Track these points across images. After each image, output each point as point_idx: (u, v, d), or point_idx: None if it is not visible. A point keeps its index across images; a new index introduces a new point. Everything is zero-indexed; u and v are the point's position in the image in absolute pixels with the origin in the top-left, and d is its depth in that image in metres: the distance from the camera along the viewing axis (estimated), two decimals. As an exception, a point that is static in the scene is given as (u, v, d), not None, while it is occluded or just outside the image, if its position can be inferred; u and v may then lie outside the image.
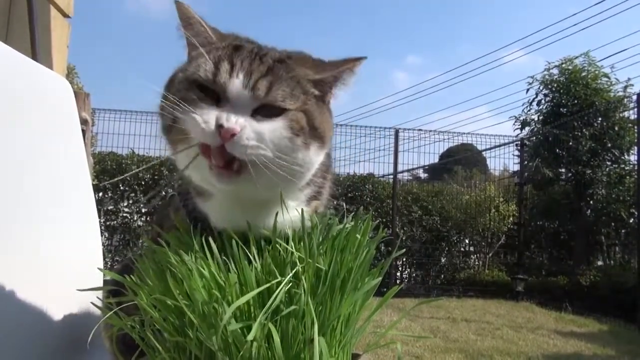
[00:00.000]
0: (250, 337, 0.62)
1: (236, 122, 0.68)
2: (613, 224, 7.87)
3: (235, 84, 0.70)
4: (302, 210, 0.79)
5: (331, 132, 0.81)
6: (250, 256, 0.72)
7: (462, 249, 9.28)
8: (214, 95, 0.71)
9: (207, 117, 0.69)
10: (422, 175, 11.46)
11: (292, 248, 0.73)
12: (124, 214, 7.91)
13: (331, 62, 0.78)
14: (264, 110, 0.71)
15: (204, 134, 0.68)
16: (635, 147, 7.42)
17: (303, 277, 0.69)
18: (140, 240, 7.28)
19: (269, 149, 0.70)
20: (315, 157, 0.77)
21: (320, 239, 0.77)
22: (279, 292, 0.66)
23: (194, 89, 0.73)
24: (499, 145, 9.04)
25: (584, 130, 7.81)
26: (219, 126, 0.67)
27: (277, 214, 0.76)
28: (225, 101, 0.70)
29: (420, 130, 9.14)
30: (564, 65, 8.53)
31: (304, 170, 0.76)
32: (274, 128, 0.70)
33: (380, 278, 0.79)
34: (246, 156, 0.69)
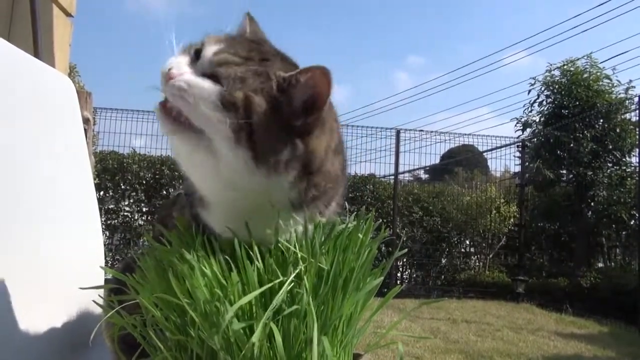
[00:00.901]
0: (255, 338, 0.62)
1: (180, 69, 0.71)
2: (614, 225, 7.86)
3: (210, 49, 0.73)
4: (304, 212, 0.78)
5: (274, 160, 0.70)
6: (253, 255, 0.72)
7: (462, 250, 9.29)
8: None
9: (170, 61, 0.73)
10: (423, 176, 11.48)
11: (294, 248, 0.73)
12: (125, 213, 7.92)
13: (293, 73, 0.72)
14: (214, 78, 0.71)
15: (161, 74, 0.73)
16: (637, 149, 7.43)
17: (305, 277, 0.69)
18: (142, 239, 7.29)
19: (191, 100, 0.69)
20: (244, 166, 0.69)
21: (323, 239, 0.77)
22: (282, 292, 0.66)
23: (194, 50, 0.76)
24: (500, 147, 9.06)
25: (585, 131, 7.81)
26: (169, 69, 0.71)
27: (278, 214, 0.76)
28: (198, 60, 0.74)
29: (421, 131, 9.16)
30: (565, 67, 8.53)
31: (235, 176, 0.71)
32: (205, 86, 0.70)
33: (381, 278, 0.79)
34: (171, 96, 0.71)
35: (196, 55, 0.75)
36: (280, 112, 0.71)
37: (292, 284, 0.68)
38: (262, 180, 0.71)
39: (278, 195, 0.74)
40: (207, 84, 0.70)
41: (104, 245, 1.58)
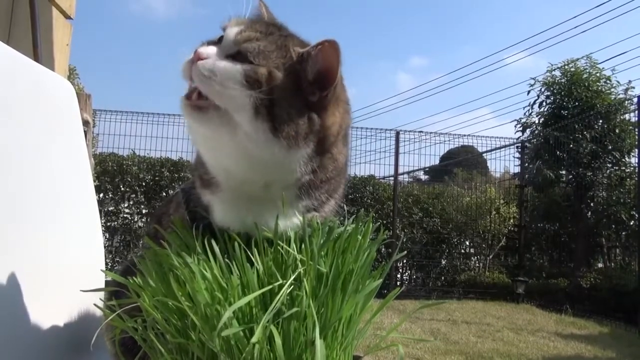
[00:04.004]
0: (254, 339, 0.62)
1: (206, 51, 0.74)
2: (613, 226, 7.85)
3: (231, 31, 0.76)
4: (302, 217, 0.79)
5: (294, 133, 0.73)
6: (253, 258, 0.72)
7: (462, 251, 9.28)
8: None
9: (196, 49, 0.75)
10: (423, 177, 11.46)
11: (293, 250, 0.73)
12: (125, 215, 7.91)
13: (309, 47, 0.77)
14: (238, 57, 0.74)
15: (184, 64, 0.75)
16: (636, 150, 7.43)
17: (304, 279, 0.70)
18: (141, 241, 7.28)
19: (216, 82, 0.72)
20: (264, 141, 0.71)
21: (322, 241, 0.77)
22: (282, 295, 0.66)
23: (217, 39, 0.79)
24: (500, 147, 9.05)
25: (584, 132, 7.81)
26: (195, 52, 0.74)
27: (277, 217, 0.76)
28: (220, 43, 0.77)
29: (421, 132, 9.14)
30: (566, 67, 8.53)
31: (257, 152, 0.73)
32: (230, 67, 0.73)
33: (381, 280, 0.80)
34: (197, 80, 0.73)
35: (219, 42, 0.78)
36: (298, 86, 0.74)
37: (292, 286, 0.69)
38: (281, 152, 0.73)
39: (294, 171, 0.76)
40: (230, 66, 0.73)
41: (104, 247, 1.58)
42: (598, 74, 8.34)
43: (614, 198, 7.56)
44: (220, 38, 0.78)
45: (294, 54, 0.75)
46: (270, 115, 0.72)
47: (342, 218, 0.87)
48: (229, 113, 0.72)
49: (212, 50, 0.74)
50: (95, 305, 0.88)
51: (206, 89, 0.72)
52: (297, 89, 0.74)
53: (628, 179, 7.62)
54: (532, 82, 8.89)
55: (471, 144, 10.72)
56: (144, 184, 7.87)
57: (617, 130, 7.72)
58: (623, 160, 7.90)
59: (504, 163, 13.88)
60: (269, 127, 0.72)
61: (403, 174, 9.13)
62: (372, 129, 8.98)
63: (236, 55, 0.74)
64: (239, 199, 0.79)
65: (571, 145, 7.83)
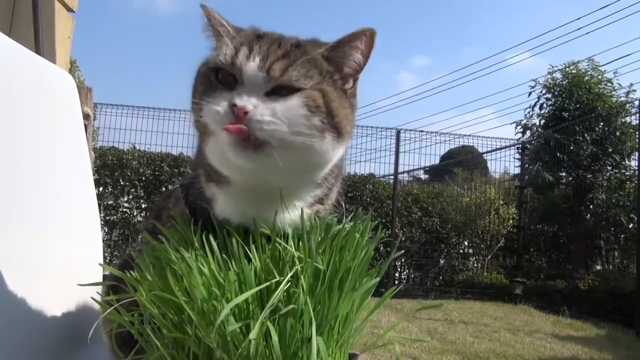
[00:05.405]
0: (252, 336, 0.62)
1: (248, 100, 0.69)
2: (612, 228, 7.87)
3: (251, 66, 0.71)
4: (301, 210, 0.79)
5: (350, 127, 0.77)
6: (250, 254, 0.72)
7: (461, 251, 9.28)
8: (233, 80, 0.73)
9: (221, 101, 0.70)
10: (423, 176, 11.47)
11: (291, 247, 0.73)
12: (124, 209, 7.91)
13: (343, 38, 0.77)
14: (279, 91, 0.71)
15: (218, 116, 0.70)
16: (636, 153, 7.43)
17: (302, 277, 0.70)
18: (140, 236, 7.26)
19: (285, 125, 0.69)
20: (331, 148, 0.74)
21: (319, 239, 0.77)
22: (279, 292, 0.66)
23: (213, 76, 0.74)
24: (500, 148, 9.04)
25: (585, 134, 7.80)
26: (232, 105, 0.69)
27: (276, 213, 0.76)
28: (241, 84, 0.72)
29: (421, 131, 9.13)
30: (567, 69, 8.52)
31: (321, 161, 0.75)
32: (288, 105, 0.70)
33: (378, 278, 0.80)
34: (263, 132, 0.69)
35: (221, 76, 0.73)
36: (337, 84, 0.76)
37: (289, 283, 0.69)
38: (343, 149, 0.78)
39: (332, 161, 0.78)
40: (288, 106, 0.70)
41: (103, 241, 1.58)
42: (600, 77, 8.34)
43: (613, 201, 7.57)
44: (225, 75, 0.73)
45: (320, 58, 0.75)
46: (335, 127, 0.73)
47: (340, 216, 0.87)
48: (289, 143, 0.71)
49: (252, 100, 0.70)
50: (92, 299, 0.88)
51: (270, 135, 0.69)
52: (338, 88, 0.76)
53: (628, 182, 7.63)
54: (533, 83, 8.89)
55: (472, 144, 10.71)
56: (143, 178, 7.86)
57: (617, 133, 7.72)
58: (623, 163, 7.90)
59: (504, 164, 13.90)
60: (335, 135, 0.74)
61: (403, 172, 9.15)
62: (372, 127, 8.98)
63: (276, 89, 0.71)
64: (247, 193, 0.79)
65: (571, 148, 7.83)
